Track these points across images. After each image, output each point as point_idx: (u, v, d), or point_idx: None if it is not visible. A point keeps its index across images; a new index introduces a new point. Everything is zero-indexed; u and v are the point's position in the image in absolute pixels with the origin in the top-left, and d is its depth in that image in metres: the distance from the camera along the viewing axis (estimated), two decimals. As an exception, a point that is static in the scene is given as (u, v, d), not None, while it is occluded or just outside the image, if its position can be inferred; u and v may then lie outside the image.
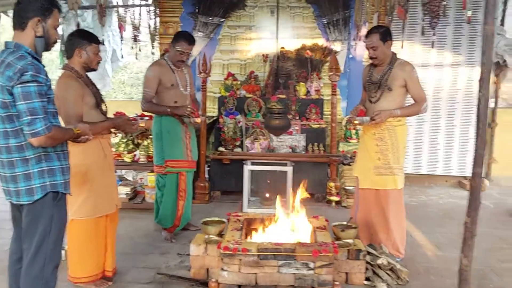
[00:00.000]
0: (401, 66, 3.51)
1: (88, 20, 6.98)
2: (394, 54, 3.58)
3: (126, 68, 15.09)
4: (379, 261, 3.25)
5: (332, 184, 5.30)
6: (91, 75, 7.26)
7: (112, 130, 3.31)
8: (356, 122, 3.55)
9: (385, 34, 3.50)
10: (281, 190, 5.23)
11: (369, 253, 3.32)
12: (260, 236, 3.38)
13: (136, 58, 6.05)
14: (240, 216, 3.69)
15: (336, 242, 3.26)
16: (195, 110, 3.91)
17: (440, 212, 5.16)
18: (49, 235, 2.25)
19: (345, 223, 3.54)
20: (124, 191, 4.88)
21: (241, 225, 3.50)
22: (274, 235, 3.36)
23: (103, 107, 3.14)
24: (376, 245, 3.49)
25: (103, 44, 5.17)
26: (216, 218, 3.58)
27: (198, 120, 3.90)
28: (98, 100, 3.03)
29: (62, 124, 2.83)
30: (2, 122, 2.15)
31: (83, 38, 2.97)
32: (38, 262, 2.24)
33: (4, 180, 2.25)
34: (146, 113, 4.34)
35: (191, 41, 3.92)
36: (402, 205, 3.67)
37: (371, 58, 3.56)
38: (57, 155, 2.28)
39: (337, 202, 5.31)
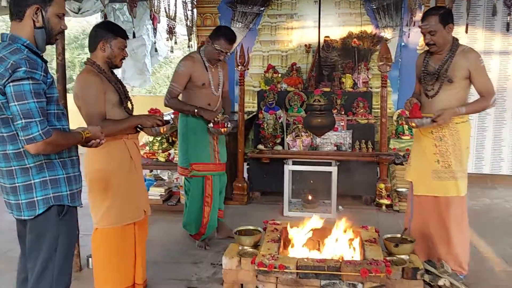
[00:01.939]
0: (465, 54, 3.00)
1: (127, 14, 6.83)
2: (455, 40, 3.07)
3: (171, 63, 15.07)
4: (440, 282, 2.79)
5: (382, 185, 4.82)
6: (131, 69, 7.20)
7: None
8: (414, 124, 3.04)
9: (446, 16, 2.98)
10: (325, 191, 4.84)
11: (428, 271, 2.86)
12: (300, 250, 3.00)
13: (172, 51, 5.78)
14: (278, 224, 3.32)
15: (389, 258, 2.83)
16: (222, 118, 3.53)
17: (508, 218, 4.57)
18: (55, 254, 1.98)
19: (398, 235, 3.08)
20: (158, 192, 4.63)
21: (279, 235, 3.13)
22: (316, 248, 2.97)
23: (129, 105, 2.86)
24: (435, 261, 3.02)
25: (134, 37, 4.90)
26: (251, 227, 3.22)
27: (223, 130, 3.52)
28: (122, 97, 2.74)
29: (84, 125, 2.58)
30: None
31: (108, 31, 2.68)
32: (44, 284, 1.98)
33: (4, 191, 2.00)
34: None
35: (232, 39, 3.53)
36: (465, 214, 3.17)
37: (428, 44, 3.05)
38: (62, 163, 2.00)
39: (388, 206, 4.83)
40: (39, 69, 1.82)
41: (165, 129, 2.83)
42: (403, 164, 4.94)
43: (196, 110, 3.51)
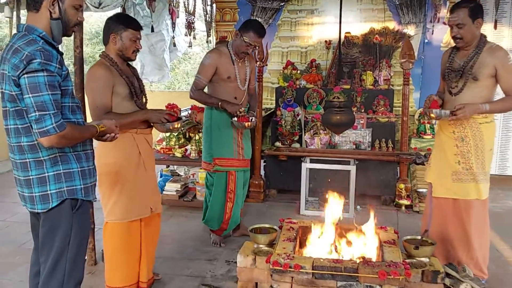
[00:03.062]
0: (492, 51, 2.88)
1: (147, 8, 6.81)
2: (483, 36, 2.95)
3: (190, 58, 15.09)
4: (462, 287, 2.68)
5: (402, 185, 4.71)
6: (150, 65, 7.18)
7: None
8: (432, 115, 2.95)
9: (476, 11, 2.86)
10: (343, 190, 4.73)
11: (448, 275, 2.76)
12: (316, 249, 2.93)
13: (190, 46, 5.75)
14: (294, 223, 3.25)
15: (408, 260, 2.74)
16: (246, 113, 3.47)
17: (532, 222, 4.41)
18: (68, 248, 1.96)
19: (419, 237, 2.98)
20: (174, 187, 4.61)
21: (295, 234, 3.06)
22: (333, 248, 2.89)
23: (143, 99, 2.82)
24: (456, 265, 2.91)
25: (153, 31, 4.88)
26: (267, 225, 3.16)
27: (247, 124, 3.46)
28: (133, 90, 2.68)
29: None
30: (13, 118, 1.87)
31: (119, 23, 2.65)
32: (56, 278, 1.96)
33: (18, 184, 1.98)
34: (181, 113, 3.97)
35: (261, 33, 3.48)
36: (486, 218, 3.05)
37: (454, 38, 2.93)
38: (76, 156, 1.97)
39: (408, 207, 4.71)
40: (54, 61, 1.79)
41: (176, 126, 2.77)
42: (424, 164, 4.82)
43: (220, 103, 3.47)
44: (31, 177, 1.91)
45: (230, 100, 3.54)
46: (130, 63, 2.84)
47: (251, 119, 3.50)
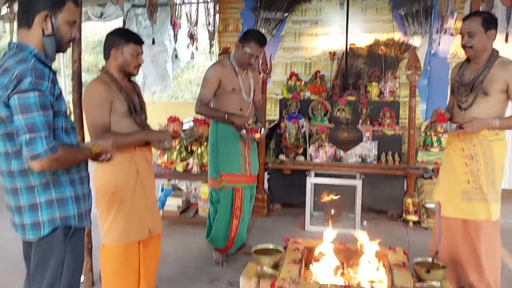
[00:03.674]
0: (504, 65, 2.76)
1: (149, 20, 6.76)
2: (495, 50, 2.84)
3: (193, 67, 15.05)
4: (476, 313, 2.55)
5: (409, 200, 4.59)
6: (152, 75, 7.12)
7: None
8: (439, 129, 2.84)
9: (489, 21, 2.75)
10: (349, 205, 4.63)
11: (461, 300, 2.63)
12: (323, 272, 2.81)
13: (193, 58, 5.66)
14: (299, 243, 3.13)
15: (419, 284, 2.61)
16: (255, 125, 3.39)
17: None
18: (60, 279, 1.85)
19: (429, 259, 2.85)
20: (175, 203, 4.50)
21: (300, 255, 2.93)
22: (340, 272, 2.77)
23: (143, 116, 2.71)
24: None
25: (153, 43, 4.80)
26: (271, 246, 3.03)
27: (257, 136, 3.37)
28: (132, 107, 2.58)
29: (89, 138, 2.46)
30: (3, 141, 1.76)
31: (120, 37, 2.56)
32: (49, 309, 1.84)
33: (9, 210, 1.88)
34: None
35: (262, 42, 3.42)
36: (498, 240, 2.92)
37: (464, 46, 2.82)
38: (70, 180, 1.86)
39: (416, 222, 4.58)
40: (46, 79, 1.69)
41: (174, 145, 2.68)
42: (432, 179, 4.70)
43: (226, 116, 3.39)
44: (22, 203, 1.80)
45: (236, 112, 3.46)
46: (133, 78, 2.75)
47: (260, 130, 3.41)
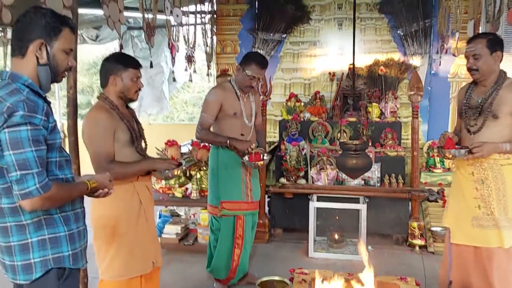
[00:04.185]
0: None
1: (146, 41, 6.70)
2: (503, 72, 2.76)
3: (188, 87, 15.01)
4: None
5: (415, 224, 4.46)
6: (148, 97, 7.02)
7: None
8: (448, 155, 2.74)
9: (494, 43, 2.69)
10: (352, 229, 4.51)
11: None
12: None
13: (191, 80, 5.58)
14: (306, 274, 3.00)
15: (434, 318, 2.48)
16: (258, 149, 3.27)
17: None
18: (54, 326, 1.69)
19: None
20: (174, 230, 4.35)
21: (308, 287, 2.80)
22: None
23: (142, 144, 2.62)
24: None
25: (152, 67, 4.72)
26: (277, 277, 2.91)
27: (261, 163, 3.25)
28: (134, 136, 2.49)
29: (91, 170, 2.34)
30: None
31: (118, 63, 2.47)
32: None
33: None
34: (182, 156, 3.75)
35: (263, 64, 3.33)
36: (510, 268, 2.80)
37: (470, 70, 2.75)
38: (64, 218, 1.74)
39: (422, 247, 4.44)
40: (39, 112, 1.58)
41: (176, 173, 2.56)
42: (437, 201, 4.60)
43: (228, 141, 3.27)
44: (12, 243, 1.67)
45: (238, 137, 3.35)
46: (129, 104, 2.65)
47: (263, 157, 3.29)
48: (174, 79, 5.78)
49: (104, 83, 2.49)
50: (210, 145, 3.66)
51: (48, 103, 1.70)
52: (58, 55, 1.72)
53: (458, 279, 2.84)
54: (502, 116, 2.68)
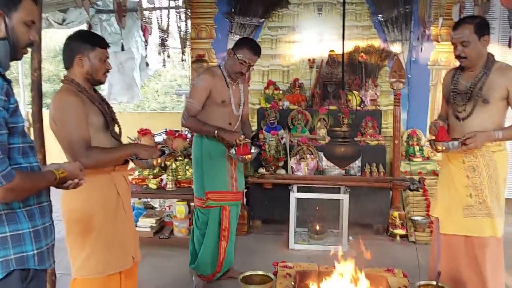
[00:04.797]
0: (503, 71, 2.60)
1: (115, 25, 6.39)
2: (491, 55, 2.67)
3: (160, 76, 14.65)
4: None
5: (395, 213, 4.40)
6: (118, 84, 6.73)
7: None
8: (440, 148, 2.63)
9: (482, 27, 2.59)
10: (333, 219, 4.41)
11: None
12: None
13: (164, 65, 5.32)
14: (290, 267, 2.86)
15: (425, 311, 2.38)
16: (247, 142, 3.07)
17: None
18: (16, 334, 1.49)
19: (432, 282, 2.63)
20: (148, 223, 4.13)
21: (292, 282, 2.66)
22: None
23: (116, 129, 2.41)
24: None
25: (123, 50, 4.46)
26: (260, 272, 2.76)
27: (248, 157, 3.07)
28: (108, 120, 2.29)
29: (63, 158, 2.12)
30: None
31: (84, 42, 2.24)
32: None
33: None
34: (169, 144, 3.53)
35: (256, 50, 3.15)
36: (502, 257, 2.75)
37: (458, 57, 2.65)
38: (28, 213, 1.53)
39: (403, 236, 4.39)
40: (-1, 92, 1.36)
41: (159, 161, 2.37)
42: (418, 190, 4.55)
43: (216, 131, 3.08)
44: (-32, 243, 1.45)
45: (226, 126, 3.17)
46: (97, 88, 2.43)
47: (251, 149, 3.11)
48: (147, 64, 5.50)
49: (68, 64, 2.26)
50: (193, 133, 3.46)
51: (9, 82, 1.47)
52: (18, 28, 1.50)
53: (447, 269, 2.76)
54: (493, 101, 2.60)
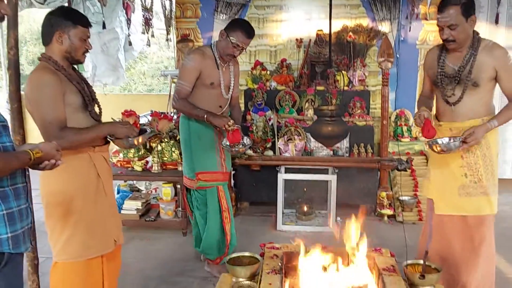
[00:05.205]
0: (490, 51, 2.52)
1: (98, 5, 6.20)
2: (476, 33, 2.59)
3: (146, 58, 14.43)
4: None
5: (383, 194, 4.39)
6: (103, 65, 6.58)
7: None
8: (439, 148, 2.54)
9: (468, 7, 2.48)
10: (320, 200, 4.39)
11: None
12: (307, 282, 2.51)
13: (148, 45, 5.20)
14: (277, 248, 2.82)
15: (412, 291, 2.37)
16: (237, 127, 2.98)
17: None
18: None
19: (420, 261, 2.61)
20: (134, 206, 4.07)
21: (280, 263, 2.62)
22: (325, 280, 2.48)
23: (96, 109, 2.33)
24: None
25: (104, 28, 4.33)
26: (247, 253, 2.70)
27: (241, 150, 3.01)
28: (87, 99, 2.22)
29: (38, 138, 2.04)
30: None
31: (65, 19, 2.15)
32: None
33: None
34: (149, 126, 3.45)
35: (250, 33, 3.02)
36: (493, 234, 2.74)
37: (446, 41, 2.57)
38: (1, 195, 1.46)
39: (390, 216, 4.40)
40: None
41: (140, 141, 2.30)
42: (406, 171, 4.53)
43: (206, 116, 2.97)
44: None
45: (215, 109, 3.07)
46: (81, 69, 2.34)
47: (245, 141, 3.02)
48: (130, 43, 5.36)
49: (47, 40, 2.17)
50: (179, 115, 3.36)
51: None
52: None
53: (438, 248, 2.75)
54: (482, 83, 2.54)
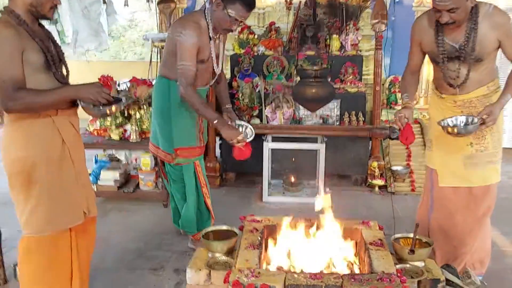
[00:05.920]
0: (491, 19, 2.28)
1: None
2: (473, 0, 2.33)
3: (136, 26, 14.04)
4: (467, 297, 2.18)
5: (375, 163, 4.21)
6: (84, 30, 6.26)
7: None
8: (455, 130, 2.30)
9: None
10: (309, 170, 4.20)
11: (449, 282, 2.25)
12: (287, 257, 2.34)
13: (126, 4, 4.88)
14: (258, 221, 2.64)
15: (399, 266, 2.20)
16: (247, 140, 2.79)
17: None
18: None
19: (410, 234, 2.44)
20: (111, 176, 3.86)
21: (259, 237, 2.45)
22: (307, 255, 2.32)
23: (63, 71, 2.14)
24: (455, 266, 2.43)
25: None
26: (224, 227, 2.52)
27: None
28: (50, 59, 2.00)
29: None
30: None
31: None
32: None
33: None
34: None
35: (251, 5, 2.68)
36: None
37: (446, 24, 2.31)
38: None
39: (382, 187, 4.23)
40: None
41: (113, 110, 2.08)
42: (398, 139, 4.33)
43: (215, 122, 2.70)
44: None
45: (204, 86, 2.86)
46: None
47: (249, 138, 2.88)
48: (104, 1, 5.02)
49: None
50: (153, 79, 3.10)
51: None
52: None
53: (439, 219, 2.65)
54: (487, 57, 2.35)
